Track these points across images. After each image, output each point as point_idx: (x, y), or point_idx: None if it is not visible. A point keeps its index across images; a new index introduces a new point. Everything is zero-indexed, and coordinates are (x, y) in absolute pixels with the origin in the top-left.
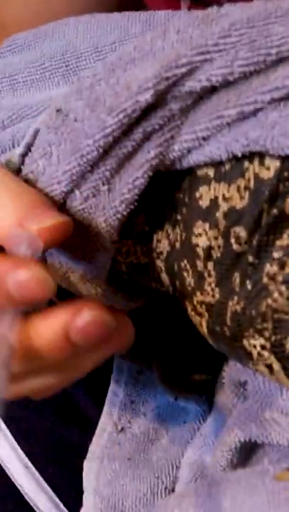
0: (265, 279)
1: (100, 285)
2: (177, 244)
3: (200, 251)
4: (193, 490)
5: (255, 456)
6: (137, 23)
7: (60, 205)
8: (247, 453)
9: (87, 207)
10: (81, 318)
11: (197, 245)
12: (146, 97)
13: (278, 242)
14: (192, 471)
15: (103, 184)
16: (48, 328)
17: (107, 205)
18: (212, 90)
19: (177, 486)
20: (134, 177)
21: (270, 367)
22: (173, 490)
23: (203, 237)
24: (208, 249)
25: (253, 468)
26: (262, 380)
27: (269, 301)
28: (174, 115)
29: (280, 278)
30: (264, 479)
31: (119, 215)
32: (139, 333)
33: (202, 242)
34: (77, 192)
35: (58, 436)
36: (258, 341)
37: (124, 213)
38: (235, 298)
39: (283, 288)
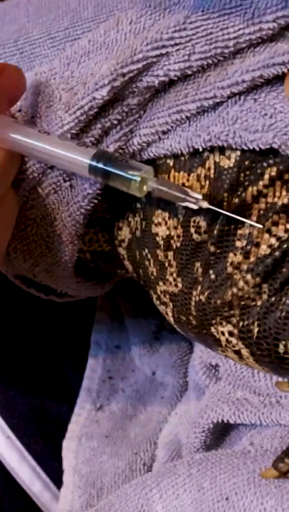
0: (229, 269)
1: (66, 276)
2: (138, 233)
3: (160, 240)
4: (172, 469)
5: (228, 438)
6: (89, 7)
7: (24, 203)
8: (220, 434)
9: (49, 203)
10: None
11: (157, 234)
12: (103, 93)
13: (240, 231)
14: (169, 450)
15: (64, 180)
16: None
17: (70, 201)
18: (169, 83)
19: (155, 464)
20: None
21: (238, 353)
22: (151, 466)
23: (162, 226)
24: (168, 239)
25: (233, 450)
26: (234, 362)
27: (234, 289)
28: (132, 109)
29: (244, 267)
30: (245, 460)
31: (83, 210)
32: (116, 308)
33: (162, 231)
34: (38, 189)
35: (40, 406)
36: (226, 328)
37: (88, 208)
38: (199, 288)
39: (249, 276)
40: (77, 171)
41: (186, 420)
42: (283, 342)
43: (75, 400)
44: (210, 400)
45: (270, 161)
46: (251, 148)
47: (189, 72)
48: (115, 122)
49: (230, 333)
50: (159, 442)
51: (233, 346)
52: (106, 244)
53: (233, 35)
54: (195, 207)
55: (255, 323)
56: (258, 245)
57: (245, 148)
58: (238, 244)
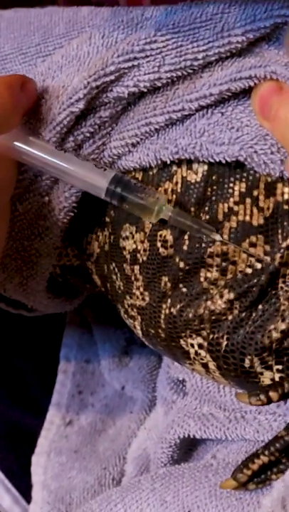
0: (205, 284)
1: (39, 291)
2: (106, 247)
3: (126, 254)
4: (136, 484)
5: (196, 452)
6: (60, 23)
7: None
8: (188, 449)
9: (26, 217)
10: None
11: (124, 248)
12: (80, 106)
13: (210, 249)
14: (138, 465)
15: (41, 196)
16: None
17: (47, 214)
18: (139, 96)
19: (124, 479)
20: (69, 186)
21: (206, 366)
22: (120, 481)
23: (129, 240)
24: (134, 253)
25: (196, 463)
26: (199, 377)
27: (209, 303)
28: (105, 122)
29: (222, 283)
30: (207, 473)
31: (60, 223)
32: (86, 323)
33: (128, 245)
34: (17, 203)
35: (10, 421)
36: (196, 340)
37: (65, 221)
38: (169, 301)
39: (226, 291)
40: (92, 192)
41: (154, 435)
42: (249, 357)
43: (46, 414)
44: (176, 415)
45: (237, 176)
46: (218, 160)
47: (159, 84)
48: (88, 135)
49: (200, 346)
50: (128, 457)
51: (202, 359)
52: (75, 259)
53: (202, 48)
54: (208, 238)
55: (224, 337)
56: (234, 263)
57: (212, 160)
58: (209, 261)
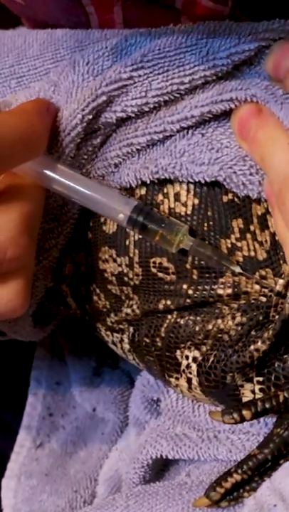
0: (218, 304)
1: (27, 315)
2: (83, 269)
3: (109, 276)
4: (111, 502)
5: (168, 473)
6: (34, 45)
7: None
8: (160, 469)
9: None
10: None
11: (105, 271)
12: (81, 137)
13: (221, 280)
14: (109, 486)
15: (48, 223)
16: None
17: (50, 237)
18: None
19: (95, 501)
20: (72, 208)
21: (190, 381)
22: (91, 503)
23: (110, 263)
24: (120, 275)
25: (170, 482)
26: (175, 397)
27: (219, 321)
28: (95, 147)
29: (235, 306)
30: (181, 491)
31: (59, 245)
32: (56, 345)
33: (110, 267)
34: None
35: None
36: (192, 353)
37: (64, 242)
38: (175, 313)
39: (238, 314)
40: (114, 219)
41: (126, 456)
42: (231, 374)
43: (16, 436)
44: (149, 435)
45: (232, 211)
46: (197, 180)
47: (146, 109)
48: (83, 162)
49: (194, 359)
50: (99, 479)
51: (190, 373)
52: (49, 281)
53: (188, 72)
54: (228, 270)
55: (213, 354)
56: (247, 293)
57: (191, 180)
58: (220, 291)
